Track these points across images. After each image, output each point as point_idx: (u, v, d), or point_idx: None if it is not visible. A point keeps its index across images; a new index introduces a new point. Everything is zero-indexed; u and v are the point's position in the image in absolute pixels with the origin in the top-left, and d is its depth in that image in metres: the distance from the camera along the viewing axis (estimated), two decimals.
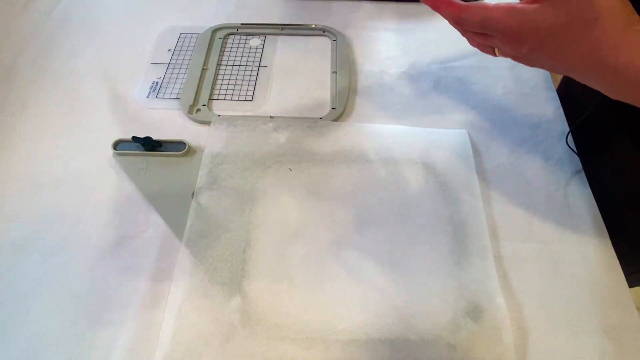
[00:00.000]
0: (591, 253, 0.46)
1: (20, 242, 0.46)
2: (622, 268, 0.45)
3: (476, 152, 0.53)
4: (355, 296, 0.42)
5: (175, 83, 0.61)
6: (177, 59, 0.63)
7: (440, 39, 0.66)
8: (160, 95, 0.59)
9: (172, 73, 0.62)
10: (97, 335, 0.41)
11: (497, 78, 0.61)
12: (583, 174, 0.52)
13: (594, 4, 0.30)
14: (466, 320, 0.41)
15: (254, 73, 0.62)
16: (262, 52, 0.64)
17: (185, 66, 0.62)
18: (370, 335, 0.40)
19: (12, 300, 0.43)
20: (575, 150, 0.53)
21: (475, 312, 0.41)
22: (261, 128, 0.54)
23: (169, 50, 0.65)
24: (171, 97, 0.59)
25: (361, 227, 0.47)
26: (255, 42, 0.66)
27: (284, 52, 0.65)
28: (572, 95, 0.61)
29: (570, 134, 0.54)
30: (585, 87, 0.59)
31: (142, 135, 0.52)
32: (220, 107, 0.58)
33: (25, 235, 0.47)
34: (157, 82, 0.61)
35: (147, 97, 0.59)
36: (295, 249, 0.45)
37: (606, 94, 0.35)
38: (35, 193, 0.50)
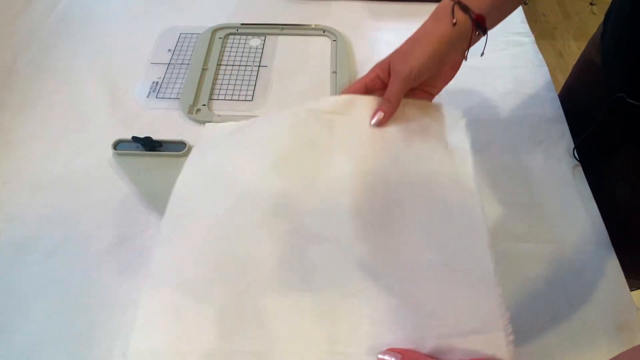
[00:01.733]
0: (591, 253, 0.46)
1: (20, 242, 0.46)
2: (625, 273, 0.45)
3: (476, 152, 0.53)
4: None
5: (175, 83, 0.61)
6: (177, 59, 0.63)
7: None
8: (160, 95, 0.59)
9: (172, 73, 0.62)
10: (97, 335, 0.41)
11: (497, 78, 0.61)
12: (583, 173, 0.52)
13: None
14: (465, 322, 0.40)
15: (254, 73, 0.62)
16: (262, 52, 0.64)
17: (185, 66, 0.62)
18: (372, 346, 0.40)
19: (12, 300, 0.43)
20: (578, 158, 0.53)
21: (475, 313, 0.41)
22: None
23: (169, 50, 0.65)
24: (171, 97, 0.59)
25: (357, 224, 0.45)
26: (255, 42, 0.66)
27: (284, 52, 0.65)
28: (574, 101, 0.61)
29: (575, 140, 0.54)
30: (587, 94, 0.59)
31: (142, 135, 0.52)
32: (220, 107, 0.58)
33: (25, 235, 0.47)
34: (157, 82, 0.61)
35: (147, 97, 0.59)
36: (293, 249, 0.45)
37: None
38: (35, 193, 0.50)
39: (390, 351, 0.34)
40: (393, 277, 0.39)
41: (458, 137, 0.47)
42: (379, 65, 0.47)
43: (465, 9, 0.44)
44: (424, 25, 0.46)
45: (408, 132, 0.47)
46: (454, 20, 0.44)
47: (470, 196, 0.43)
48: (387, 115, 0.46)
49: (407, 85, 0.45)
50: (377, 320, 0.37)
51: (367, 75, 0.47)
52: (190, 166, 0.47)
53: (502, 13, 0.46)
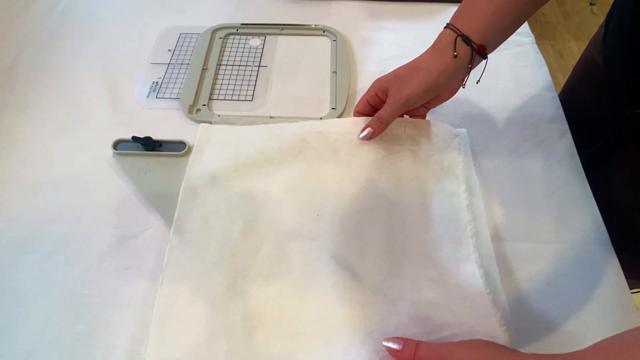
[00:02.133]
0: (591, 253, 0.46)
1: (20, 242, 0.46)
2: (625, 272, 0.45)
3: (476, 152, 0.53)
4: (354, 297, 0.42)
5: (175, 83, 0.61)
6: (177, 59, 0.63)
7: None
8: (160, 95, 0.59)
9: (172, 73, 0.62)
10: (97, 335, 0.41)
11: (497, 78, 0.61)
12: (583, 173, 0.52)
13: None
14: (466, 324, 0.41)
15: (254, 73, 0.62)
16: (262, 52, 0.64)
17: (185, 66, 0.62)
18: (372, 333, 0.40)
19: (12, 300, 0.43)
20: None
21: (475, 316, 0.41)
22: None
23: (169, 50, 0.65)
24: (171, 97, 0.59)
25: (358, 226, 0.46)
26: (255, 42, 0.66)
27: (284, 52, 0.65)
28: (575, 101, 0.61)
29: (573, 137, 0.54)
30: (588, 94, 0.59)
31: (142, 135, 0.52)
32: (220, 107, 0.58)
33: (25, 235, 0.47)
34: (157, 82, 0.61)
35: (147, 97, 0.59)
36: (293, 249, 0.45)
37: None
38: (35, 193, 0.50)
39: (395, 338, 0.38)
40: (397, 288, 0.43)
41: (451, 156, 0.51)
42: (378, 84, 0.50)
43: (467, 41, 0.44)
44: (424, 55, 0.48)
45: (408, 152, 0.52)
46: (455, 53, 0.44)
47: (460, 215, 0.47)
48: (376, 133, 0.50)
49: (402, 110, 0.48)
50: (386, 324, 0.41)
51: (367, 92, 0.51)
52: (195, 176, 0.50)
53: (501, 39, 0.48)
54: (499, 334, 0.39)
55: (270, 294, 0.42)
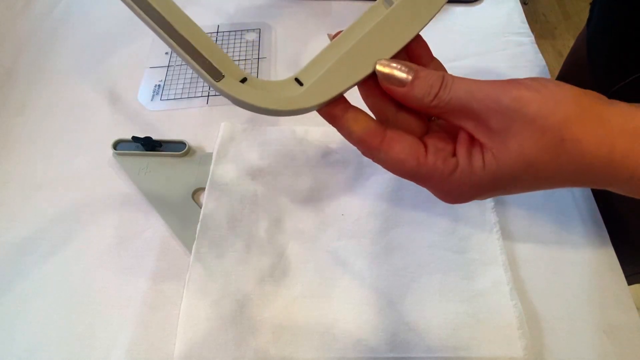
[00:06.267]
0: (591, 253, 0.46)
1: (20, 242, 0.46)
2: (623, 269, 0.45)
3: None
4: (380, 297, 0.42)
5: (177, 84, 0.60)
6: (175, 60, 0.63)
7: (440, 39, 0.66)
8: (159, 93, 0.59)
9: (172, 73, 0.62)
10: (97, 335, 0.41)
11: (497, 78, 0.61)
12: None
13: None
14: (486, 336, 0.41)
15: (254, 66, 0.62)
16: (259, 45, 0.64)
17: (185, 66, 0.62)
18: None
19: (13, 300, 0.43)
20: None
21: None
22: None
23: (166, 53, 0.65)
24: (169, 98, 0.59)
25: (384, 225, 0.46)
26: (251, 35, 0.66)
27: (281, 42, 0.65)
28: None
29: None
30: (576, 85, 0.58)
31: (142, 135, 0.52)
32: (224, 102, 0.58)
33: (25, 235, 0.47)
34: (158, 85, 0.61)
35: (147, 96, 0.59)
36: (319, 248, 0.45)
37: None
38: (36, 193, 0.50)
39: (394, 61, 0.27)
40: (424, 289, 0.43)
41: None
42: None
43: None
44: None
45: None
46: None
47: (487, 216, 0.47)
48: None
49: None
50: (414, 328, 0.41)
51: None
52: (220, 174, 0.50)
53: None
54: (518, 351, 0.39)
55: (297, 293, 0.42)
